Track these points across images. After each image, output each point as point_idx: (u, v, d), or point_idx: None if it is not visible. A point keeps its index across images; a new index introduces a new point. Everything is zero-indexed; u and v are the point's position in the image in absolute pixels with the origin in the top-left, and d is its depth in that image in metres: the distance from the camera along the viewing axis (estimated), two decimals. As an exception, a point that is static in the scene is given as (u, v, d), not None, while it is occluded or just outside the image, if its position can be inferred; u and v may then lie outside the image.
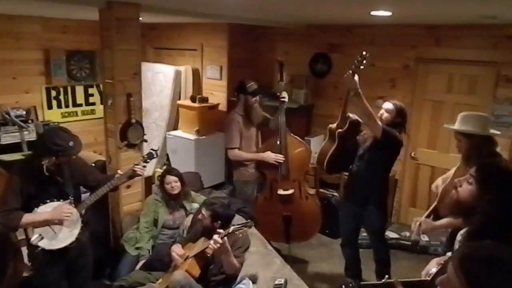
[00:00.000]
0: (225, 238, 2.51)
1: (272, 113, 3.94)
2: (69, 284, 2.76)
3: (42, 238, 2.48)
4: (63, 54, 5.59)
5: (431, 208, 2.79)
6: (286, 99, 3.68)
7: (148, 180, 4.08)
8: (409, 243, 4.38)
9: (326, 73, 5.25)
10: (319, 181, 4.90)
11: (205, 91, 5.82)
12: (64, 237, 2.58)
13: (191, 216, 3.39)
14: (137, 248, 3.36)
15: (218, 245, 2.46)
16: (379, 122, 2.96)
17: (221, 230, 2.52)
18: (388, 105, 3.11)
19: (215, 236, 2.48)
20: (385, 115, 3.08)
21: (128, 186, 3.57)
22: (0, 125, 4.74)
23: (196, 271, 2.62)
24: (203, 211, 2.84)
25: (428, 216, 2.71)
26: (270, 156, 3.59)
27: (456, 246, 1.91)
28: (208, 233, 2.73)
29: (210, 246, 2.49)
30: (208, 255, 2.64)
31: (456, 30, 4.23)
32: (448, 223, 2.49)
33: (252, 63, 5.70)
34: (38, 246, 2.48)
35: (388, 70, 4.75)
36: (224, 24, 5.43)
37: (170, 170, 3.53)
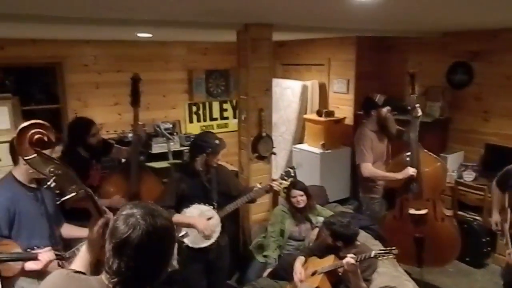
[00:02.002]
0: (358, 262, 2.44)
1: (404, 127, 3.75)
2: (208, 283, 2.99)
3: (188, 235, 2.77)
4: (203, 73, 6.22)
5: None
6: (420, 113, 3.47)
7: (276, 192, 4.23)
8: None
9: (466, 83, 4.77)
10: (458, 203, 4.44)
11: (331, 105, 5.83)
12: (207, 238, 2.83)
13: (316, 230, 3.40)
14: (264, 256, 3.52)
15: (351, 268, 2.41)
16: None
17: (352, 255, 2.45)
18: None
19: (350, 258, 2.42)
20: None
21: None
22: (152, 137, 5.47)
23: None
24: (324, 231, 2.84)
25: None
26: (407, 172, 3.38)
27: None
28: (335, 251, 2.71)
29: (344, 266, 2.44)
30: (339, 273, 2.62)
31: None
32: None
33: (380, 76, 5.52)
34: (183, 242, 2.78)
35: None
36: (352, 38, 5.38)
37: (295, 184, 3.61)
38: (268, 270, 3.40)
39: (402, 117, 4.43)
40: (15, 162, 2.17)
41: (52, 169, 1.38)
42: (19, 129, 1.36)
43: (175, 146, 5.61)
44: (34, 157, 1.36)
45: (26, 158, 1.36)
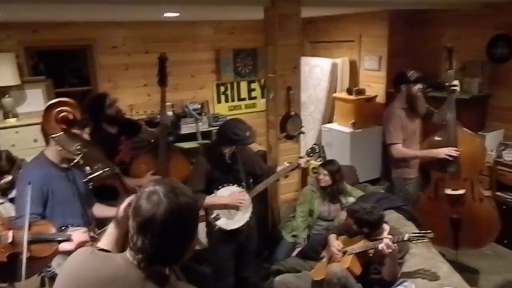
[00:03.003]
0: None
1: (437, 106, 3.57)
2: (235, 264, 3.00)
3: (220, 217, 2.77)
4: (231, 53, 6.14)
5: None
6: (458, 88, 3.29)
7: (304, 171, 4.18)
8: None
9: (508, 57, 4.48)
10: (496, 183, 4.24)
11: (362, 83, 5.64)
12: (238, 219, 2.84)
13: (346, 210, 3.34)
14: (293, 236, 3.50)
15: (390, 250, 2.33)
16: None
17: (389, 236, 2.38)
18: None
19: (387, 240, 2.34)
20: None
21: (286, 176, 3.71)
22: (180, 117, 5.50)
23: (358, 269, 2.57)
24: (348, 219, 2.77)
25: None
26: (441, 152, 3.24)
27: None
28: (364, 235, 2.65)
29: (380, 248, 2.36)
30: (370, 254, 2.56)
31: None
32: None
33: (414, 52, 5.27)
34: (215, 225, 2.78)
35: None
36: (384, 12, 5.15)
37: (325, 163, 3.54)
38: (297, 250, 3.39)
39: (438, 94, 4.25)
40: (47, 142, 2.21)
41: (78, 147, 1.38)
42: (45, 108, 1.36)
43: (203, 126, 5.62)
44: (61, 134, 1.37)
45: (53, 135, 1.36)
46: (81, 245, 1.75)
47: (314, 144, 3.15)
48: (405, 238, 2.32)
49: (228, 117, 5.89)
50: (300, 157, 3.04)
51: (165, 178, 1.23)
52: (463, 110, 3.85)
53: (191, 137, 5.51)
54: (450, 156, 3.20)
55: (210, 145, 3.20)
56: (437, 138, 3.35)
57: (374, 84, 5.47)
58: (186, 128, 5.51)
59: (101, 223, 2.39)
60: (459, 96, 3.52)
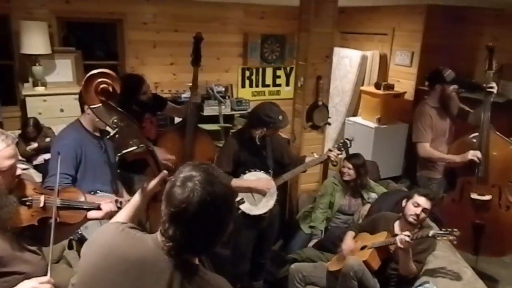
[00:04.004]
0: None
1: (469, 107, 3.46)
2: (253, 249, 3.00)
3: (243, 201, 2.75)
4: (259, 38, 6.07)
5: None
6: (495, 90, 3.17)
7: (327, 163, 4.13)
8: None
9: (549, 63, 4.31)
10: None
11: (391, 78, 5.52)
12: (262, 205, 2.82)
13: (368, 205, 3.30)
14: (310, 227, 3.47)
15: (404, 246, 2.30)
16: None
17: (407, 232, 2.33)
18: None
19: (404, 235, 2.31)
20: None
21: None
22: (204, 99, 5.48)
23: (376, 264, 2.54)
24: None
25: None
26: (467, 155, 3.15)
27: None
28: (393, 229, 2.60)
29: (396, 243, 2.33)
30: (391, 251, 2.52)
31: None
32: None
33: (449, 49, 5.10)
34: (239, 209, 2.76)
35: None
36: (422, 6, 4.99)
37: (350, 157, 3.48)
38: (314, 241, 3.37)
39: (471, 95, 4.12)
40: (83, 110, 2.24)
41: (115, 120, 1.37)
42: (86, 77, 1.35)
43: (226, 109, 5.60)
44: (99, 106, 1.35)
45: (91, 106, 1.35)
46: (109, 214, 1.77)
47: (346, 138, 3.09)
48: (430, 234, 2.28)
49: (251, 102, 5.90)
50: (330, 150, 2.98)
51: (201, 163, 1.18)
52: (496, 113, 3.71)
53: (213, 119, 5.50)
54: (478, 158, 3.11)
55: (242, 128, 3.15)
56: (470, 139, 3.24)
57: (404, 80, 5.34)
58: (209, 110, 5.50)
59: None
60: (493, 99, 3.40)
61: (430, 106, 3.38)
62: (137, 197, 1.49)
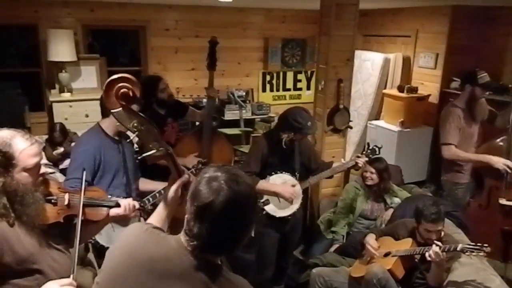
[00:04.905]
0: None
1: (498, 110, 3.35)
2: (277, 253, 2.96)
3: (269, 203, 2.74)
4: (280, 42, 6.07)
5: None
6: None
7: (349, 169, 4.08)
8: None
9: None
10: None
11: (415, 81, 5.41)
12: (286, 208, 2.80)
13: (391, 210, 3.23)
14: (332, 232, 3.43)
15: (438, 259, 2.23)
16: None
17: (438, 243, 2.25)
18: None
19: (436, 248, 2.23)
20: None
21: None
22: (225, 103, 5.52)
23: (400, 272, 2.47)
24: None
25: None
26: (498, 161, 3.04)
27: None
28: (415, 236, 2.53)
29: (427, 255, 2.26)
30: (416, 259, 2.45)
31: None
32: None
33: (475, 51, 4.96)
34: (263, 209, 2.75)
35: None
36: (446, 7, 4.88)
37: (373, 160, 3.42)
38: (335, 246, 3.33)
39: (498, 97, 3.99)
40: (103, 114, 2.28)
41: (135, 124, 1.38)
42: (107, 82, 1.37)
43: (247, 114, 5.62)
44: (119, 110, 1.37)
45: (112, 110, 1.37)
46: (130, 209, 1.80)
47: (375, 145, 3.04)
48: (458, 249, 2.18)
49: (272, 106, 5.90)
50: (358, 157, 2.94)
51: (225, 165, 1.20)
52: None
53: (234, 123, 5.52)
54: (509, 168, 3.00)
55: (271, 129, 3.16)
56: (498, 143, 3.15)
57: (428, 83, 5.23)
58: (230, 114, 5.52)
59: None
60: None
61: (458, 107, 3.28)
62: (161, 205, 1.50)
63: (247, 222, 1.16)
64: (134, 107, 1.46)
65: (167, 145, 1.46)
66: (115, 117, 1.38)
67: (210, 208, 1.08)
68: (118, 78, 1.37)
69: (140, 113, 1.40)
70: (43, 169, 1.57)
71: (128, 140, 1.43)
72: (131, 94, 1.38)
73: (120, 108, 1.36)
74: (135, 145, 2.54)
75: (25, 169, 1.48)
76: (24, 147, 1.48)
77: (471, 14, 4.88)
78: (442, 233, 2.43)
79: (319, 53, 3.60)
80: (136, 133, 1.39)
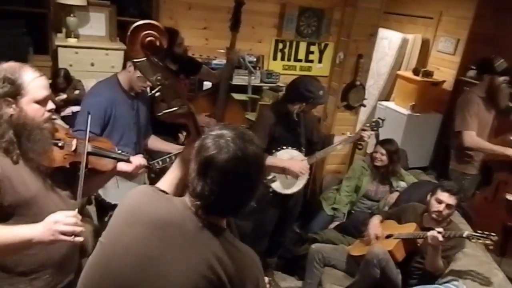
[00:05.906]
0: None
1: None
2: (276, 227, 2.93)
3: (276, 180, 2.67)
4: (297, 10, 5.81)
5: None
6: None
7: (355, 145, 4.01)
8: None
9: None
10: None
11: (431, 65, 5.27)
12: (293, 185, 2.74)
13: (396, 194, 3.20)
14: (333, 209, 3.41)
15: (434, 243, 2.20)
16: None
17: (441, 229, 2.22)
18: None
19: (436, 233, 2.19)
20: None
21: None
22: (235, 67, 5.35)
23: (401, 255, 2.46)
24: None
25: None
26: None
27: None
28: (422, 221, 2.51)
29: (428, 239, 2.23)
30: (418, 244, 2.43)
31: None
32: None
33: (499, 40, 4.78)
34: (269, 187, 2.68)
35: None
36: (475, -9, 4.69)
37: (384, 142, 3.36)
38: (335, 223, 3.31)
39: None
40: (124, 66, 2.17)
41: (159, 77, 1.28)
42: (132, 27, 1.26)
43: (255, 81, 5.46)
44: (143, 60, 1.27)
45: (135, 60, 1.27)
46: (138, 168, 1.73)
47: (379, 118, 2.96)
48: (464, 235, 2.17)
49: (281, 76, 5.75)
50: (363, 129, 2.83)
51: (231, 124, 1.14)
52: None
53: (242, 89, 5.38)
54: None
55: (278, 101, 3.03)
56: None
57: (445, 69, 5.10)
58: (238, 79, 5.35)
59: (151, 156, 2.39)
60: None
61: (477, 96, 3.18)
62: (174, 166, 1.42)
63: (252, 182, 1.10)
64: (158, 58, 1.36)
65: (189, 103, 1.37)
66: (138, 67, 1.28)
67: (213, 163, 1.04)
68: (146, 24, 1.26)
69: (165, 66, 1.30)
70: (50, 105, 1.48)
71: (149, 94, 1.33)
72: (158, 43, 1.27)
73: (145, 58, 1.26)
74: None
75: (35, 101, 1.40)
76: (33, 77, 1.40)
77: (499, 1, 4.69)
78: (450, 220, 2.41)
79: (342, 25, 3.46)
80: (160, 87, 1.29)
